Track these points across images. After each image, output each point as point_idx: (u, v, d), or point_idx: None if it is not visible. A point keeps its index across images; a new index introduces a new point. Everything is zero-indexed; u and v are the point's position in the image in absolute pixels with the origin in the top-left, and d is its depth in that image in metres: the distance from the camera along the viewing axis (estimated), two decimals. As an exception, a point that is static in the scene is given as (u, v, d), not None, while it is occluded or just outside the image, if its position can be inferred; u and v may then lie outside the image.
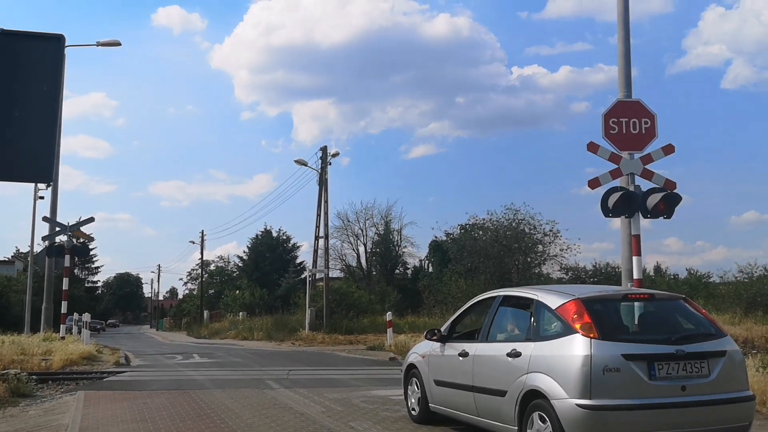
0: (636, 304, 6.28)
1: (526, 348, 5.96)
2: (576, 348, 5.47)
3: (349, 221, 52.18)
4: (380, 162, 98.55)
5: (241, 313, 46.14)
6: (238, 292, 54.02)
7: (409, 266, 55.42)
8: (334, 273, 46.41)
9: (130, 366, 16.78)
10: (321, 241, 34.11)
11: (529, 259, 38.73)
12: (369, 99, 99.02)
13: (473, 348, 6.84)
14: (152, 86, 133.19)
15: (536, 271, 39.62)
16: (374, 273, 53.16)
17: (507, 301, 6.89)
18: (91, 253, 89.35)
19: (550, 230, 37.33)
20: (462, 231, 43.25)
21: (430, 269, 51.09)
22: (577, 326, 5.59)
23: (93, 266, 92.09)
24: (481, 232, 40.11)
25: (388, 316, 22.53)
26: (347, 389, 11.24)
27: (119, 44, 23.59)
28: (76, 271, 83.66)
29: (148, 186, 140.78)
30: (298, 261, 62.07)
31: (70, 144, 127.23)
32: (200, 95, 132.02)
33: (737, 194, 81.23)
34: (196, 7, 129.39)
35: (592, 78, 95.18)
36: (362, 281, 50.01)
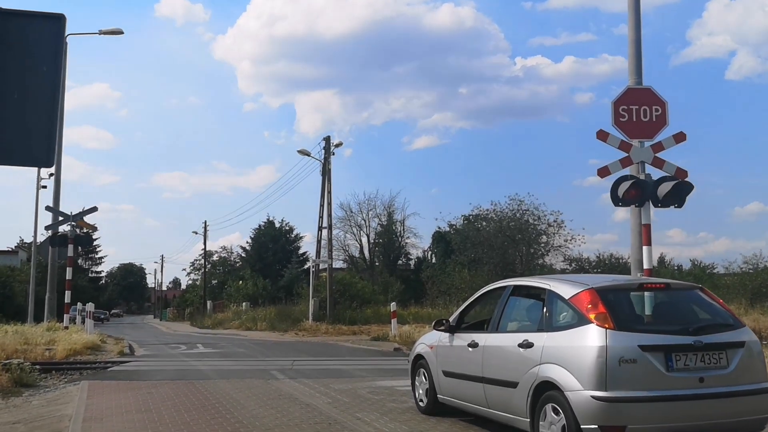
0: (651, 293, 6.13)
1: (539, 338, 5.83)
2: (591, 338, 5.34)
3: (352, 212, 52.13)
4: (383, 153, 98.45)
5: (244, 304, 46.11)
6: (241, 282, 53.98)
7: (411, 257, 55.38)
8: (337, 264, 46.39)
9: (134, 356, 16.71)
10: (324, 232, 34.03)
11: (532, 250, 38.60)
12: (372, 90, 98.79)
13: (483, 338, 6.71)
14: (155, 77, 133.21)
15: (539, 262, 39.52)
16: (377, 264, 53.07)
17: (518, 290, 6.75)
18: (95, 243, 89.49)
19: (554, 221, 37.18)
20: (465, 222, 43.13)
21: (433, 260, 50.98)
22: (592, 316, 5.45)
23: (97, 256, 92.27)
24: (484, 223, 39.99)
25: (393, 306, 22.42)
26: (353, 380, 11.14)
27: (121, 33, 23.42)
28: (79, 261, 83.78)
29: (151, 177, 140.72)
30: (300, 252, 62.10)
31: (73, 135, 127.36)
32: (203, 86, 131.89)
33: (741, 185, 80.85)
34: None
35: (596, 69, 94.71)
36: (365, 272, 49.94)
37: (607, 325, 5.34)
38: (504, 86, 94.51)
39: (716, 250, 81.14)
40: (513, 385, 6.01)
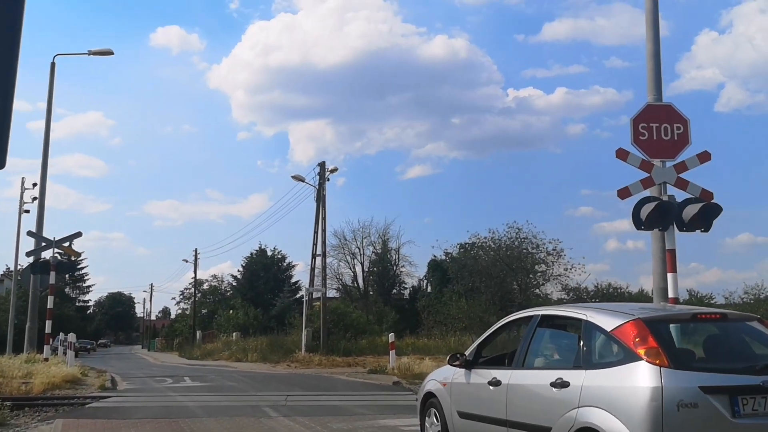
0: (705, 325, 5.36)
1: (576, 377, 5.04)
2: (641, 378, 4.56)
3: (346, 240, 51.23)
4: (376, 183, 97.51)
5: (234, 334, 44.91)
6: (231, 311, 52.76)
7: (406, 286, 54.33)
8: (330, 293, 45.27)
9: (116, 390, 15.70)
10: (318, 260, 33.11)
11: (527, 279, 37.78)
12: (365, 119, 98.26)
13: (507, 375, 5.91)
14: (149, 106, 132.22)
15: (536, 291, 38.69)
16: (371, 293, 52.03)
17: (546, 321, 5.97)
18: (83, 271, 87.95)
19: (554, 249, 36.44)
20: (462, 250, 42.36)
21: (429, 289, 50.02)
22: (641, 352, 4.68)
23: (84, 285, 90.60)
24: (481, 252, 39.20)
25: (391, 337, 21.46)
26: (352, 418, 10.26)
27: (111, 53, 22.79)
28: (66, 290, 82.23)
29: (142, 205, 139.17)
30: (293, 280, 61.01)
31: (65, 163, 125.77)
32: (197, 115, 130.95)
33: (731, 216, 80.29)
34: (195, 27, 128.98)
35: (588, 100, 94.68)
36: (359, 301, 48.88)
37: (660, 362, 4.57)
38: (497, 117, 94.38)
39: (707, 280, 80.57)
40: (545, 430, 5.20)
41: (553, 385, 5.21)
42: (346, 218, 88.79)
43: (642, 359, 4.65)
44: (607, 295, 39.17)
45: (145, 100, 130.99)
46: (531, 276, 37.89)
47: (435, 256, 48.37)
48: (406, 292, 53.74)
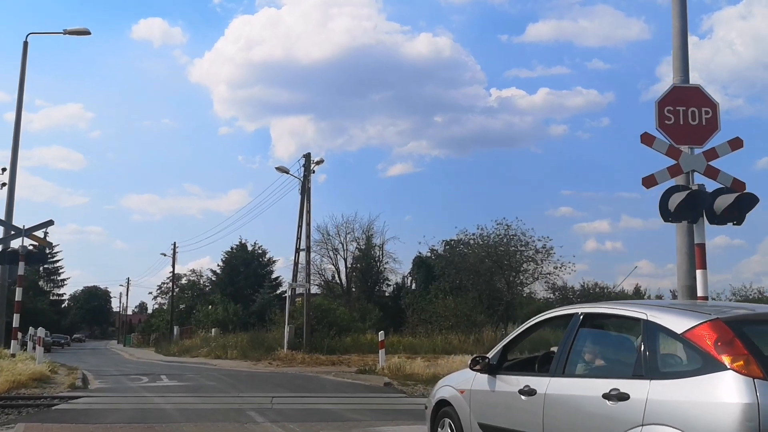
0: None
1: (638, 388, 4.18)
2: (729, 392, 3.71)
3: (329, 235, 50.12)
4: (358, 180, 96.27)
5: (213, 330, 43.70)
6: (210, 307, 51.48)
7: (390, 283, 53.30)
8: (312, 288, 44.21)
9: (87, 389, 14.62)
10: (302, 254, 32.07)
11: (512, 277, 37.11)
12: (348, 116, 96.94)
13: (544, 384, 5.03)
14: (129, 98, 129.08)
15: (524, 290, 38.05)
16: (353, 289, 51.01)
17: (591, 321, 5.10)
18: (58, 264, 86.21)
19: (543, 247, 35.79)
20: (447, 247, 41.58)
21: (413, 286, 49.13)
22: (726, 359, 3.83)
23: (59, 278, 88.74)
24: (466, 250, 38.46)
25: (380, 335, 20.56)
26: (346, 425, 9.37)
27: (88, 33, 21.59)
28: (40, 283, 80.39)
29: (120, 199, 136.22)
30: (273, 276, 59.85)
31: (42, 155, 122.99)
32: (178, 109, 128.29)
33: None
34: (178, 20, 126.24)
35: (570, 101, 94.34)
36: (341, 298, 47.85)
37: (752, 373, 3.73)
38: (479, 116, 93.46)
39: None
40: (597, 451, 4.34)
41: (607, 397, 4.35)
42: (327, 214, 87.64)
43: (728, 368, 3.79)
44: (594, 295, 38.72)
45: (125, 93, 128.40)
46: (515, 273, 37.24)
47: (420, 253, 47.52)
48: (390, 290, 52.82)
